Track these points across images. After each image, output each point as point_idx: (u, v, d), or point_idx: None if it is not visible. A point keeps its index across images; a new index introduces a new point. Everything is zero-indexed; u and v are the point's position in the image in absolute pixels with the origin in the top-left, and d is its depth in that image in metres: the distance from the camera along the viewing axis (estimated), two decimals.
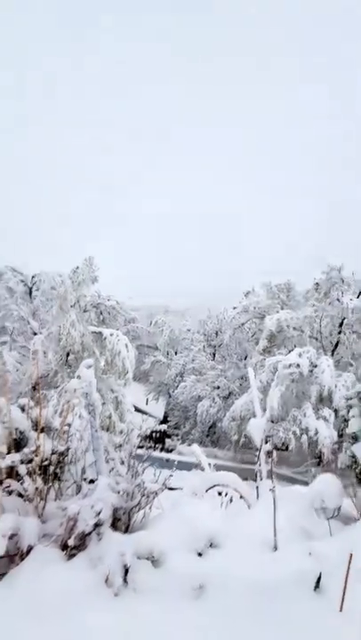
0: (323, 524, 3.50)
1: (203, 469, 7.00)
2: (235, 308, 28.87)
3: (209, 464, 6.80)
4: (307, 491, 4.07)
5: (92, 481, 4.05)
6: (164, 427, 25.89)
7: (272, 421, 24.18)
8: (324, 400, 21.42)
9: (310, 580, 2.93)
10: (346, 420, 4.08)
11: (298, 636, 2.64)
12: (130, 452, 3.79)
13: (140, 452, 4.18)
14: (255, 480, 23.27)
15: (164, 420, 32.37)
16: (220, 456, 24.78)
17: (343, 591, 2.72)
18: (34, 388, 20.54)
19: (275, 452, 3.40)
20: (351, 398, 4.09)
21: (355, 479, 3.79)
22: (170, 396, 33.39)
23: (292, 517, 3.47)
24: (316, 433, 19.90)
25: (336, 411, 21.51)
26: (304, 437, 20.21)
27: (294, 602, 2.83)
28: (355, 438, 3.79)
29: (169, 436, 29.45)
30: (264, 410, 4.81)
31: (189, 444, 27.40)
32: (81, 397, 4.16)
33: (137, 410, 23.98)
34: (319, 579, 2.90)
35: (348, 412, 4.02)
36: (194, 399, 28.62)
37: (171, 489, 4.05)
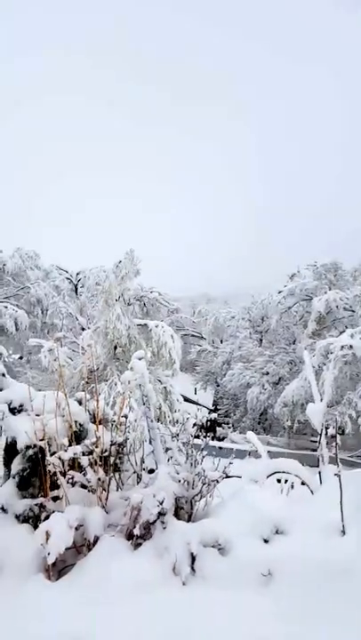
0: None
1: (259, 457, 6.91)
2: (280, 292, 28.35)
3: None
4: None
5: (151, 470, 4.08)
6: (214, 415, 25.94)
7: (327, 406, 23.71)
8: None
9: None
10: None
11: None
12: (188, 441, 3.77)
13: (196, 441, 4.16)
14: (311, 465, 23.01)
15: (214, 409, 32.43)
16: (274, 443, 24.61)
17: None
18: (87, 382, 21.06)
19: (338, 437, 3.28)
20: None
21: None
22: (218, 385, 33.38)
23: (358, 501, 3.35)
24: None
25: None
26: None
27: None
28: None
29: (220, 425, 29.49)
30: (321, 394, 4.69)
31: (241, 432, 27.39)
32: (135, 389, 4.17)
33: (186, 400, 24.10)
34: None
35: None
36: (243, 386, 28.47)
37: (227, 476, 4.01)
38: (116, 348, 19.22)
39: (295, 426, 24.89)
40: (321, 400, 4.52)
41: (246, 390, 28.03)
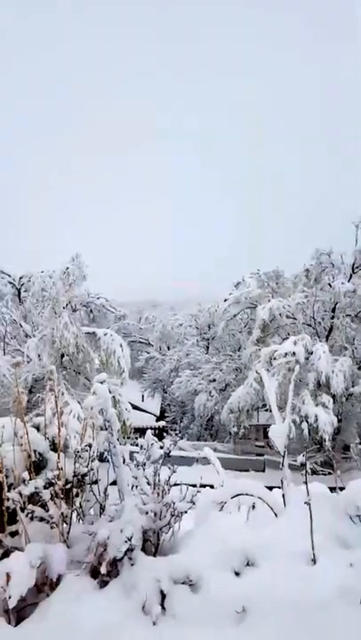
0: (357, 532, 3.42)
1: (207, 463, 6.89)
2: (226, 300, 28.81)
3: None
4: (336, 495, 4.00)
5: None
6: (162, 423, 25.88)
7: (270, 410, 24.29)
8: (321, 386, 21.52)
9: (356, 593, 2.84)
10: None
11: None
12: (155, 470, 3.67)
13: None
14: (257, 470, 23.26)
15: (161, 416, 32.34)
16: (220, 449, 24.85)
17: None
18: (30, 391, 20.30)
19: (308, 464, 3.30)
20: None
21: None
22: (165, 392, 33.33)
23: (325, 526, 3.38)
24: (316, 419, 20.00)
25: (334, 396, 21.64)
26: (304, 425, 20.32)
27: (341, 617, 2.75)
28: None
29: (167, 432, 29.42)
30: (283, 416, 4.69)
31: (188, 439, 27.50)
32: (98, 414, 4.03)
33: (134, 407, 23.89)
34: None
35: None
36: (190, 393, 28.62)
37: (176, 484, 3.93)
38: (63, 356, 18.76)
39: (241, 431, 25.31)
40: (282, 421, 4.55)
41: (194, 397, 28.19)
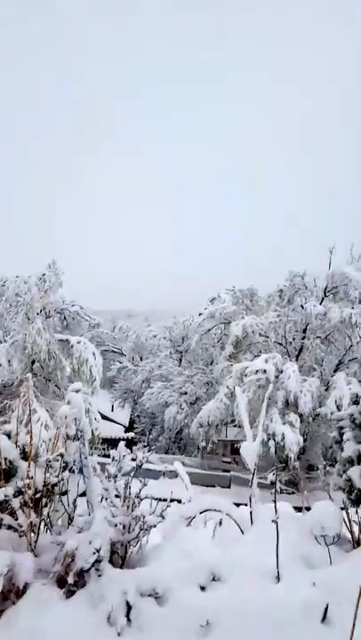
0: (321, 552, 3.51)
1: (174, 477, 6.93)
2: (200, 314, 28.96)
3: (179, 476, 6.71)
4: (301, 515, 4.10)
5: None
6: (131, 434, 25.71)
7: (239, 426, 24.40)
8: (290, 405, 21.75)
9: (317, 612, 2.92)
10: (338, 442, 4.12)
11: None
12: (126, 483, 3.70)
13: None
14: (223, 486, 23.19)
15: (130, 427, 32.10)
16: (188, 463, 24.76)
17: (353, 622, 2.73)
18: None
19: (278, 483, 3.38)
20: (343, 419, 4.11)
21: (349, 502, 3.82)
22: (136, 403, 33.15)
23: (290, 545, 3.46)
24: (283, 438, 20.17)
25: (301, 415, 21.87)
26: (271, 442, 20.44)
27: (303, 635, 2.83)
28: (350, 462, 3.82)
29: (135, 443, 29.22)
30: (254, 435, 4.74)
31: (157, 452, 27.32)
32: (70, 423, 4.05)
33: (103, 417, 23.69)
34: (326, 610, 2.91)
35: (341, 434, 4.05)
36: (161, 405, 28.52)
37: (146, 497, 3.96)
38: (33, 362, 18.53)
39: (209, 446, 25.31)
40: (254, 439, 4.63)
41: (164, 409, 28.10)
